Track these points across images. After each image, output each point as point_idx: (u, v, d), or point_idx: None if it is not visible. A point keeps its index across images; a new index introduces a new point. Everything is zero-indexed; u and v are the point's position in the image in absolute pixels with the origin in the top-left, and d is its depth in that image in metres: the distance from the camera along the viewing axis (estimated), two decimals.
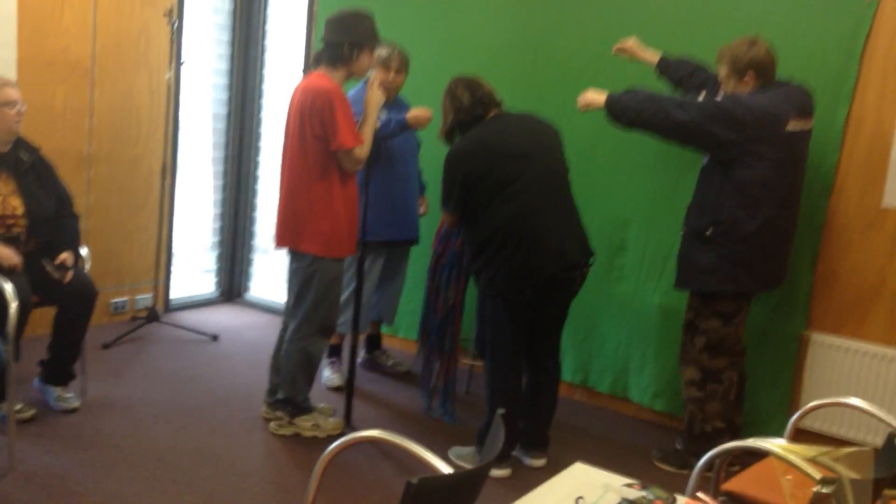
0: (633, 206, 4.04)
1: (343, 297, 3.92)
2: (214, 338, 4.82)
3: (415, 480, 1.25)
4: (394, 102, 4.11)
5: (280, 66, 5.45)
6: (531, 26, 4.31)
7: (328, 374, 4.27)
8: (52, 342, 3.58)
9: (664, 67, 3.71)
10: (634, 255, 4.05)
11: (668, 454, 3.59)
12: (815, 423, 3.59)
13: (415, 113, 3.85)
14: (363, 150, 3.38)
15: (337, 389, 4.14)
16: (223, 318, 5.29)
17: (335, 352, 4.30)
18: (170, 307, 5.27)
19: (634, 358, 4.08)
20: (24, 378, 3.64)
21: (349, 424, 3.68)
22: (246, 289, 5.72)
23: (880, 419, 2.21)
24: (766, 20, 3.64)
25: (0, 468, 3.02)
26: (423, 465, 1.69)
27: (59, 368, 3.62)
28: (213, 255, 5.64)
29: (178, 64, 4.92)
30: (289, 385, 3.56)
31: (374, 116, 3.46)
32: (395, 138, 3.94)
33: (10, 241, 3.38)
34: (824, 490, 1.24)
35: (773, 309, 3.68)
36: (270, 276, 5.65)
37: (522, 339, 3.35)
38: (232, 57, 5.44)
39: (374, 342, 4.58)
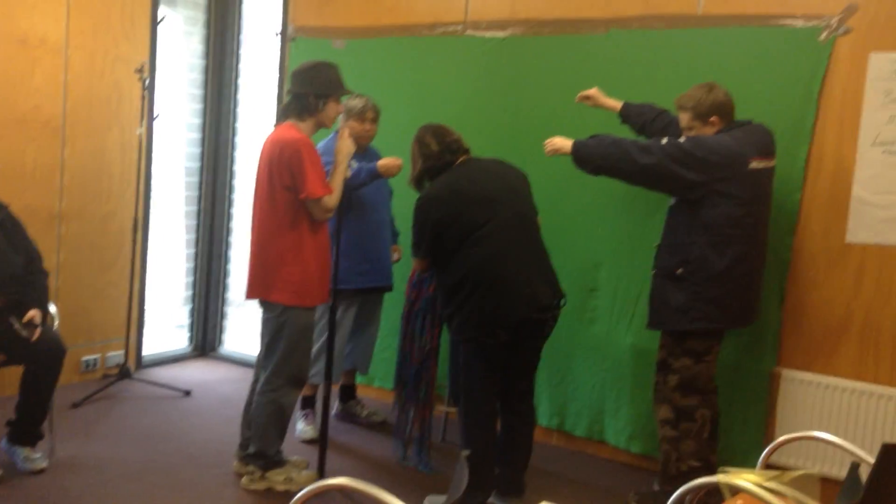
0: (603, 248, 4.07)
1: (316, 347, 3.90)
2: (187, 393, 4.76)
3: None
4: (366, 152, 4.16)
5: (252, 120, 5.50)
6: (499, 77, 4.39)
7: (301, 427, 4.21)
8: (19, 402, 3.51)
9: (627, 114, 3.78)
10: (606, 297, 4.07)
11: (645, 496, 3.55)
12: (787, 459, 3.58)
13: (385, 162, 3.90)
14: (332, 199, 3.40)
15: (311, 442, 4.08)
16: (196, 373, 5.23)
17: (308, 403, 4.26)
18: (142, 363, 5.21)
19: (609, 400, 4.07)
20: None
21: (323, 477, 3.63)
22: (220, 343, 5.67)
23: (846, 450, 2.22)
24: (726, 63, 3.73)
25: None
26: None
27: (27, 429, 3.55)
28: (186, 309, 5.60)
29: (150, 119, 4.95)
30: (260, 438, 3.51)
31: (345, 165, 3.49)
32: (365, 187, 3.97)
33: None
34: None
35: (744, 346, 3.70)
36: (244, 330, 5.61)
37: (495, 383, 3.34)
38: (204, 111, 5.48)
39: (348, 392, 4.54)
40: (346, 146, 3.50)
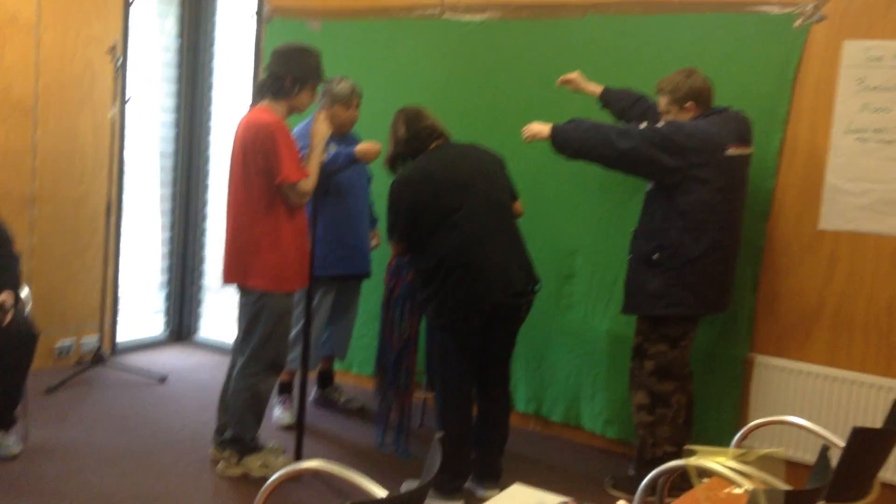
0: (580, 235, 4.09)
1: (293, 332, 3.88)
2: (162, 379, 4.73)
3: (348, 503, 1.24)
4: (345, 136, 4.13)
5: (228, 102, 5.45)
6: (476, 61, 4.37)
7: (279, 413, 4.20)
8: None
9: (606, 99, 3.78)
10: (582, 283, 4.09)
11: (621, 481, 3.59)
12: (760, 444, 3.62)
13: (363, 147, 3.87)
14: (308, 183, 3.37)
15: (288, 428, 4.08)
16: (172, 359, 5.20)
17: (285, 389, 4.25)
18: (117, 349, 5.16)
19: (586, 386, 4.10)
20: None
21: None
22: (196, 329, 5.63)
23: (817, 434, 2.25)
24: (702, 50, 3.74)
25: None
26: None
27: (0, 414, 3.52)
28: (162, 294, 5.56)
29: (123, 101, 4.88)
30: (237, 423, 3.50)
31: (321, 149, 3.46)
32: (343, 172, 3.95)
33: None
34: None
35: (718, 332, 3.74)
36: (221, 316, 5.57)
37: (471, 369, 3.35)
38: (179, 94, 5.42)
39: (326, 378, 4.54)
40: (322, 129, 3.47)
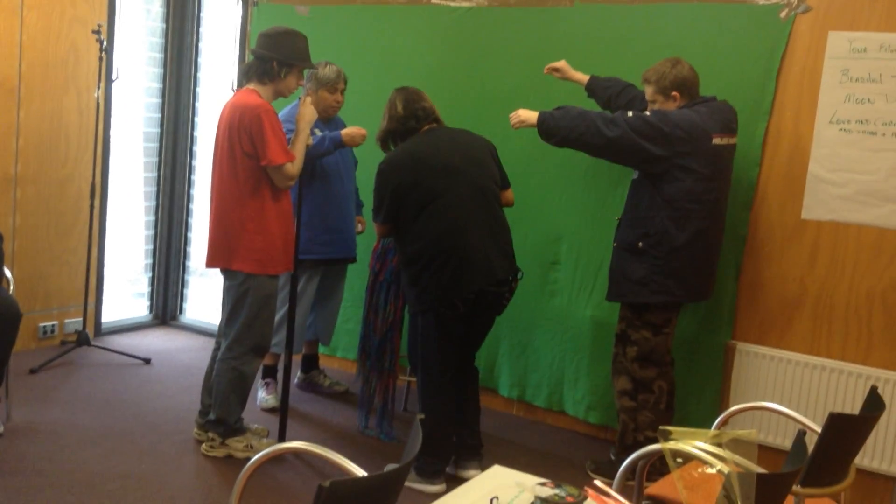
0: (565, 221, 4.10)
1: (278, 316, 3.89)
2: (147, 361, 4.73)
3: (327, 483, 1.25)
4: (331, 121, 4.12)
5: (213, 84, 5.42)
6: (464, 47, 4.37)
7: (263, 395, 4.21)
8: None
9: (593, 87, 3.79)
10: (567, 269, 4.11)
11: (602, 465, 3.63)
12: (740, 430, 3.67)
13: (349, 131, 3.87)
14: (294, 167, 3.37)
15: (272, 410, 4.09)
16: (156, 341, 5.19)
17: (270, 372, 4.26)
18: (101, 331, 5.15)
19: (569, 371, 4.12)
20: None
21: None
22: (181, 311, 5.62)
23: (795, 420, 2.28)
24: (688, 40, 3.75)
25: None
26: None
27: None
28: (146, 277, 5.54)
29: (109, 82, 4.85)
30: (220, 405, 3.51)
31: (306, 132, 3.46)
32: (329, 156, 3.94)
33: None
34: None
35: (700, 319, 3.77)
36: (206, 298, 5.56)
37: (453, 354, 3.37)
38: (164, 76, 5.38)
39: (310, 362, 4.55)
40: (308, 112, 3.47)
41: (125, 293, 5.46)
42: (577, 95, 3.82)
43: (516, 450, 3.88)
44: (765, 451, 3.48)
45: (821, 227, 3.58)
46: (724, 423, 2.56)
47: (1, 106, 4.42)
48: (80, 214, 4.84)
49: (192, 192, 5.53)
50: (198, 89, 5.45)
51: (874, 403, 2.24)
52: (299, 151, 3.40)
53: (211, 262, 3.50)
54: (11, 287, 3.64)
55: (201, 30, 5.42)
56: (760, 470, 1.63)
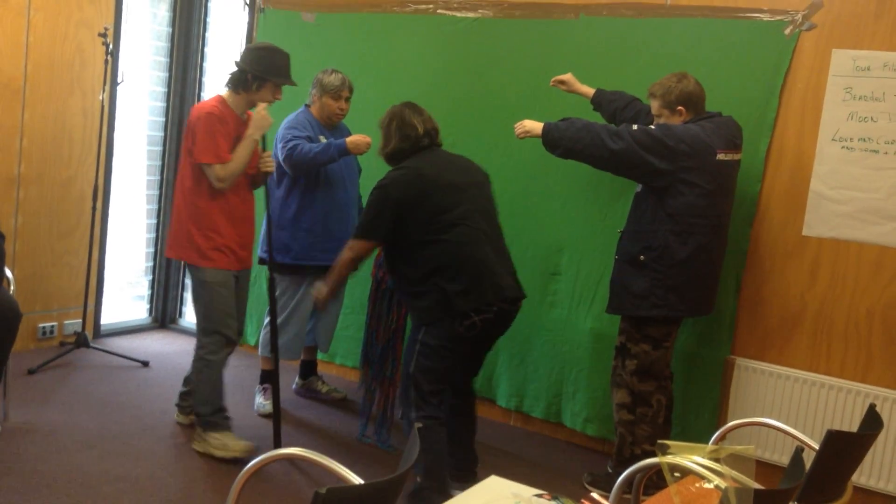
0: (566, 232, 4.11)
1: (280, 319, 3.92)
2: (145, 364, 4.72)
3: (323, 490, 1.25)
4: (336, 128, 4.14)
5: (218, 90, 5.41)
6: (469, 57, 4.38)
7: (260, 401, 4.21)
8: None
9: (599, 101, 3.80)
10: (567, 280, 4.11)
11: (599, 478, 3.62)
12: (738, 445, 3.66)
13: (354, 139, 3.89)
14: (224, 169, 3.45)
15: (268, 416, 4.07)
16: (155, 344, 5.19)
17: (267, 378, 4.25)
18: (100, 333, 5.15)
19: (567, 383, 4.12)
20: None
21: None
22: (180, 315, 5.62)
23: (793, 436, 2.28)
24: (693, 54, 3.77)
25: None
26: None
27: None
28: (147, 280, 5.54)
29: (114, 85, 4.87)
30: (195, 397, 3.66)
31: (255, 139, 3.53)
32: (333, 163, 3.95)
33: None
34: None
35: (700, 334, 3.77)
36: None
37: (452, 372, 3.29)
38: (169, 80, 5.40)
39: (309, 368, 4.54)
40: (260, 119, 3.54)
41: (125, 295, 5.46)
42: (581, 108, 3.83)
43: (513, 461, 3.88)
44: (762, 467, 3.47)
45: (822, 243, 3.58)
46: (723, 438, 2.56)
47: (6, 107, 4.43)
48: (82, 216, 4.85)
49: None
50: (202, 94, 5.46)
51: (872, 421, 2.24)
52: (238, 156, 3.48)
53: (168, 252, 3.71)
54: (12, 287, 3.65)
55: (207, 35, 5.44)
56: (758, 486, 1.63)
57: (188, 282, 5.59)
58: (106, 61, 4.62)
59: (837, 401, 3.53)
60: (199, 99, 5.45)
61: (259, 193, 3.75)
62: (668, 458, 1.71)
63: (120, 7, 4.91)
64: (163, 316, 5.58)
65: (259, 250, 4.07)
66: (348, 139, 3.89)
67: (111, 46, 4.60)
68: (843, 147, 3.52)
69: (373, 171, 4.35)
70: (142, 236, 5.46)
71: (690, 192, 3.32)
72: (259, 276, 4.61)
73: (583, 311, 4.06)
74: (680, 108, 3.42)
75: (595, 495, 1.75)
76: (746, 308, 3.73)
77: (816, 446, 2.09)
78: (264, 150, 3.62)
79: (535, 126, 3.46)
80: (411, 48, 4.54)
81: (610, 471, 3.59)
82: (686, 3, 3.83)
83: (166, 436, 3.75)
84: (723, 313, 3.71)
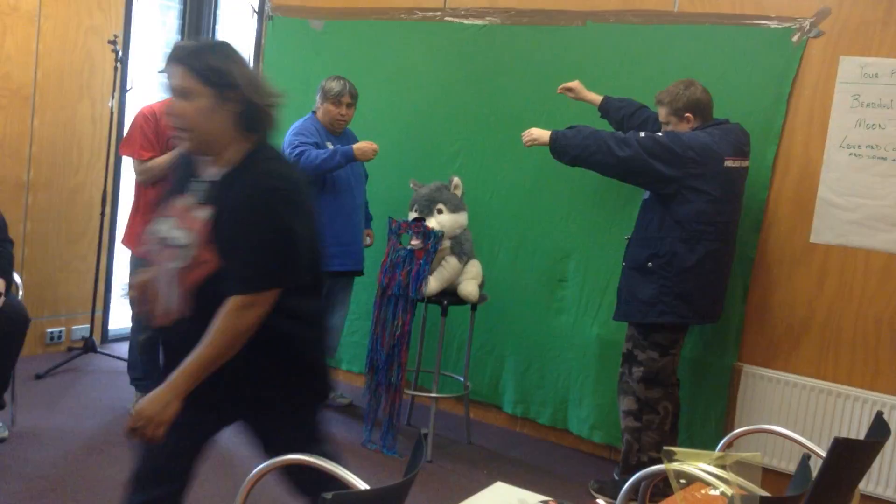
0: (573, 239, 4.11)
1: None
2: None
3: (329, 496, 1.25)
4: (342, 134, 4.15)
5: None
6: (476, 64, 4.39)
7: None
8: None
9: (606, 108, 3.80)
10: (574, 287, 4.11)
11: (605, 485, 3.61)
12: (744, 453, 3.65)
13: (361, 145, 3.90)
14: (140, 166, 3.72)
15: None
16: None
17: None
18: (107, 338, 5.16)
19: (574, 389, 4.11)
20: None
21: None
22: None
23: (800, 444, 2.27)
24: (700, 61, 3.77)
25: None
26: None
27: None
28: None
29: (123, 92, 4.89)
30: None
31: (172, 153, 3.62)
32: (340, 169, 3.97)
33: None
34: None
35: (707, 341, 3.76)
36: None
37: None
38: None
39: None
40: None
41: None
42: (589, 115, 3.83)
43: (519, 467, 3.87)
44: (769, 475, 3.45)
45: (829, 251, 3.57)
46: (729, 445, 2.55)
47: (15, 113, 4.46)
48: (90, 222, 4.87)
49: None
50: None
51: (880, 429, 2.23)
52: (160, 159, 3.67)
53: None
54: (20, 292, 3.67)
55: None
56: (764, 493, 1.62)
57: None
58: (115, 68, 4.65)
59: (845, 408, 3.52)
60: None
61: None
62: (674, 465, 1.71)
63: (129, 15, 4.94)
64: None
65: None
66: (355, 146, 3.91)
67: (120, 54, 4.63)
68: (850, 154, 3.52)
69: (379, 178, 4.37)
70: None
71: (698, 198, 3.32)
72: None
73: (589, 317, 4.05)
74: (688, 115, 3.42)
75: (601, 502, 1.74)
76: (754, 315, 3.72)
77: (823, 454, 2.08)
78: None
79: (543, 134, 3.47)
80: (419, 55, 4.55)
81: (616, 478, 3.58)
82: (693, 11, 3.83)
83: None
84: (730, 320, 3.70)
